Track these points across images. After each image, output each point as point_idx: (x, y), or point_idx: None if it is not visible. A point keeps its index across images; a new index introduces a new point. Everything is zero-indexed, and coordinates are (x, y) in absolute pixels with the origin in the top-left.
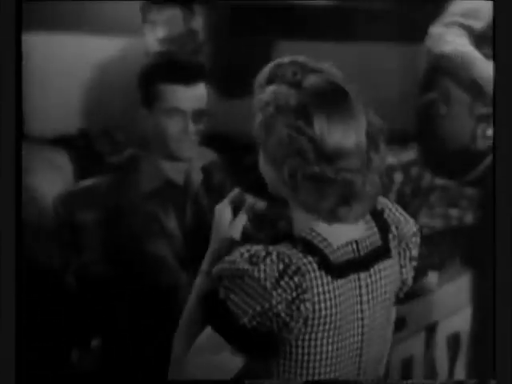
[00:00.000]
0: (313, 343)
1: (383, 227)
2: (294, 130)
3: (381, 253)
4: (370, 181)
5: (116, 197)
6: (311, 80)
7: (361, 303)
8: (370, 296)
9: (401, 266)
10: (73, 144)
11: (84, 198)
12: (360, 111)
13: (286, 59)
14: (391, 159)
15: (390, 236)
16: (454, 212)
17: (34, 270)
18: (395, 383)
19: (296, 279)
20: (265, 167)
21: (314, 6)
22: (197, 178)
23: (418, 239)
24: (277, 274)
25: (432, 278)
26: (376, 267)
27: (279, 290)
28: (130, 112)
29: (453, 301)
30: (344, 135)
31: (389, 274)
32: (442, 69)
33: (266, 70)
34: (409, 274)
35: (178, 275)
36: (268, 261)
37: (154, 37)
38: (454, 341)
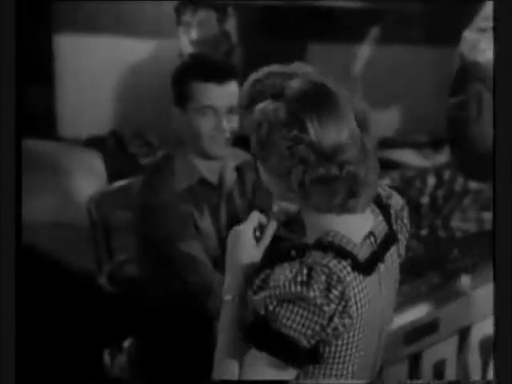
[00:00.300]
0: (349, 341)
1: (386, 211)
2: (291, 141)
3: (391, 239)
4: (370, 167)
5: (150, 197)
6: (292, 86)
7: (381, 296)
8: (387, 285)
9: (398, 243)
10: (106, 145)
11: (117, 199)
12: (345, 101)
13: (260, 73)
14: (424, 162)
15: (393, 219)
16: (486, 215)
17: (68, 271)
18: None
19: (340, 288)
20: (269, 180)
21: (347, 7)
22: (231, 177)
23: (407, 210)
24: (323, 288)
25: (465, 281)
26: (388, 254)
27: (332, 305)
28: (163, 113)
29: (486, 304)
30: (338, 130)
31: (395, 258)
32: (475, 75)
33: (245, 90)
34: (403, 248)
35: (212, 275)
36: (314, 277)
37: (187, 38)
38: (487, 344)
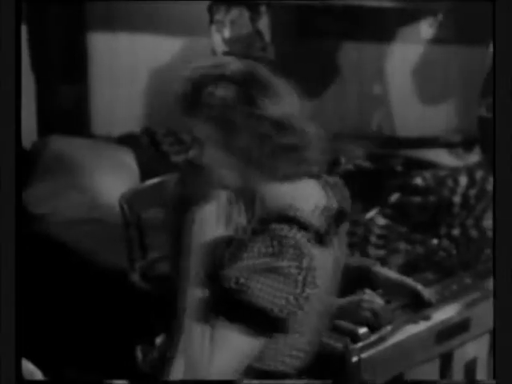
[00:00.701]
0: (309, 311)
1: (335, 190)
2: (248, 117)
3: (341, 216)
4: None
5: (185, 194)
6: (231, 68)
7: (332, 268)
8: (337, 258)
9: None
10: (138, 143)
11: (150, 197)
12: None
13: (196, 66)
14: (456, 162)
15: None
16: None
17: (100, 268)
18: None
19: (308, 259)
20: (228, 162)
21: (379, 7)
22: None
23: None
24: (294, 259)
25: None
26: (340, 229)
27: (303, 274)
28: None
29: None
30: (282, 103)
31: (344, 236)
32: None
33: (186, 79)
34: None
35: None
36: (285, 248)
37: (220, 37)
38: None
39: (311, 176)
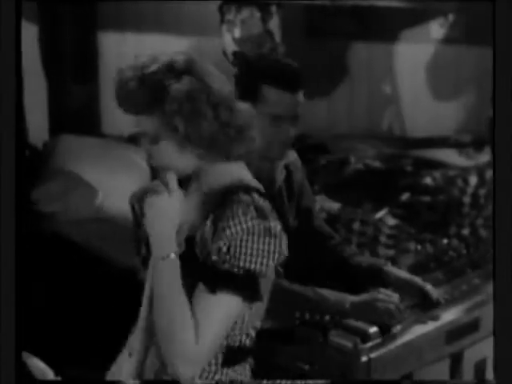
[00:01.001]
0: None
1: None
2: (208, 105)
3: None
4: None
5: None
6: (177, 60)
7: None
8: None
9: None
10: None
11: None
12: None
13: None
14: (466, 162)
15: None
16: None
17: (110, 267)
18: None
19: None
20: (182, 156)
21: (389, 7)
22: (280, 176)
23: None
24: (276, 219)
25: None
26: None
27: (283, 233)
28: None
29: None
30: (224, 85)
31: None
32: None
33: (143, 88)
34: None
35: None
36: (264, 212)
37: (230, 37)
38: None
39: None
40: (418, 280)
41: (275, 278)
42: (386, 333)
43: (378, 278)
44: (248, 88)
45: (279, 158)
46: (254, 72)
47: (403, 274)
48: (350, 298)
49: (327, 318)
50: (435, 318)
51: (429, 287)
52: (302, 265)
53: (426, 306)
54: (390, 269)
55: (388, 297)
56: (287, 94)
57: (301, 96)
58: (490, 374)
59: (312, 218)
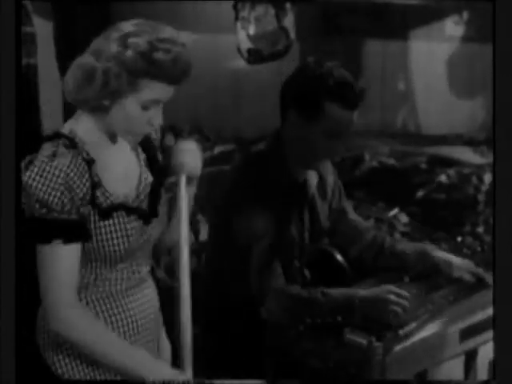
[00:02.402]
0: None
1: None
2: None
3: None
4: None
5: (237, 192)
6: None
7: None
8: None
9: None
10: (162, 139)
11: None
12: None
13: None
14: (481, 160)
15: None
16: None
17: None
18: None
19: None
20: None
21: (404, 4)
22: (313, 180)
23: None
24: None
25: None
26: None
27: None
28: (220, 108)
29: None
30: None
31: None
32: None
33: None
34: None
35: (275, 281)
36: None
37: (245, 34)
38: None
39: None
40: (470, 264)
41: (287, 287)
42: (389, 331)
43: (427, 263)
44: (306, 99)
45: (317, 169)
46: (316, 84)
47: (453, 257)
48: (361, 294)
49: (339, 318)
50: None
51: (481, 270)
52: (341, 262)
53: (477, 287)
54: (437, 253)
55: (399, 292)
56: (347, 111)
57: (356, 113)
58: None
59: (346, 216)
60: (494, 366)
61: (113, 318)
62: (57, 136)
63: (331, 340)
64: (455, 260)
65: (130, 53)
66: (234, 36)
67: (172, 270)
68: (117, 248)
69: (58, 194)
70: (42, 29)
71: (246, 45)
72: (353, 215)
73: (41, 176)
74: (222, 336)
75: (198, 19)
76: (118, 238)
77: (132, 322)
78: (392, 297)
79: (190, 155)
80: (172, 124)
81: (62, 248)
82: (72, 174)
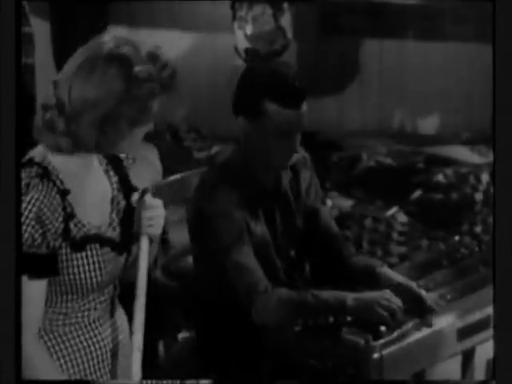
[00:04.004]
0: None
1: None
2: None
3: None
4: None
5: (205, 203)
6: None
7: None
8: None
9: None
10: (161, 139)
11: (172, 192)
12: None
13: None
14: (478, 159)
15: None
16: None
17: None
18: None
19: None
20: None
21: (402, 4)
22: (286, 177)
23: None
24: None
25: None
26: None
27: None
28: (218, 108)
29: None
30: None
31: None
32: None
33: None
34: None
35: (259, 283)
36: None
37: (242, 33)
38: None
39: None
40: (412, 284)
41: (276, 289)
42: (379, 335)
43: (371, 280)
44: (248, 103)
45: (284, 167)
46: (255, 87)
47: (398, 276)
48: (351, 296)
49: (331, 319)
50: (429, 325)
51: (423, 293)
52: (305, 266)
53: (419, 312)
54: (385, 270)
55: (391, 299)
56: (290, 110)
57: (304, 108)
58: None
59: (318, 219)
60: (494, 365)
61: (87, 350)
62: (30, 164)
63: (329, 340)
64: (399, 280)
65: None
66: (232, 36)
67: (168, 270)
68: (89, 281)
69: (29, 228)
70: (40, 29)
71: (243, 44)
72: (325, 220)
73: None
74: (218, 338)
75: (195, 19)
76: (91, 270)
77: (106, 351)
78: (383, 301)
79: (154, 214)
80: (169, 123)
81: (29, 282)
82: (45, 209)
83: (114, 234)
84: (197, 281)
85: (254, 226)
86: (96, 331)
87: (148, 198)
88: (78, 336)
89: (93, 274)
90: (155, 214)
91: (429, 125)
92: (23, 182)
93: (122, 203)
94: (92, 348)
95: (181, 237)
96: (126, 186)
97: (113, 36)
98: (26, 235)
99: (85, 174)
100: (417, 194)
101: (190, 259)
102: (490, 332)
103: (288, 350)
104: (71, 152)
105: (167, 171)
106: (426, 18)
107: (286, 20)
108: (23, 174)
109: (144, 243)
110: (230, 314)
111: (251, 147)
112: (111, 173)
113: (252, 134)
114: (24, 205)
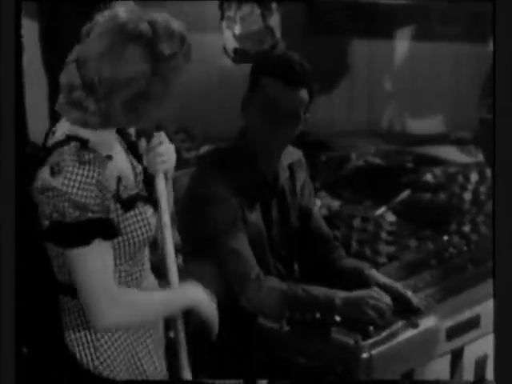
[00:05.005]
0: None
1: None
2: None
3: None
4: None
5: (203, 188)
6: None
7: None
8: None
9: None
10: (149, 140)
11: None
12: None
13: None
14: (467, 159)
15: None
16: None
17: None
18: None
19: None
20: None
21: (390, 4)
22: (284, 174)
23: None
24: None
25: None
26: None
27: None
28: (206, 108)
29: None
30: None
31: None
32: None
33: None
34: None
35: (251, 270)
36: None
37: (231, 33)
38: None
39: None
40: (398, 286)
41: (267, 278)
42: (379, 331)
43: (359, 282)
44: (250, 79)
45: (278, 151)
46: (257, 64)
47: (384, 279)
48: (341, 294)
49: (318, 315)
50: (415, 326)
51: (409, 294)
52: (297, 264)
53: (405, 313)
54: (372, 273)
55: (380, 297)
56: (288, 88)
57: (303, 93)
58: (490, 371)
59: (310, 219)
60: (494, 366)
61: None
62: (70, 139)
63: (318, 339)
64: (386, 282)
65: None
66: (220, 35)
67: (157, 269)
68: (141, 237)
69: (93, 194)
70: (28, 29)
71: (231, 44)
72: (316, 221)
73: (74, 180)
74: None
75: (183, 19)
76: (141, 227)
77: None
78: (371, 301)
79: (164, 149)
80: (157, 123)
81: (102, 245)
82: (104, 177)
83: (145, 194)
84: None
85: (249, 215)
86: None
87: (156, 137)
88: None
89: (144, 229)
90: (165, 149)
91: (418, 125)
92: (73, 157)
93: (139, 167)
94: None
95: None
96: (135, 153)
97: (125, 10)
98: (92, 202)
99: (113, 143)
100: (405, 193)
101: (179, 259)
102: (478, 331)
103: (277, 349)
104: (98, 127)
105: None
106: (415, 18)
107: (274, 20)
108: (67, 149)
109: (160, 182)
110: (219, 314)
111: (254, 132)
112: (123, 143)
113: (253, 115)
114: (84, 174)
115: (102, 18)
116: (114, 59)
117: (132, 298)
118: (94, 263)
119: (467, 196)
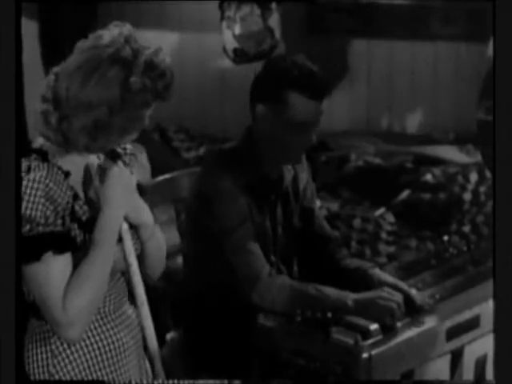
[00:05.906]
0: None
1: None
2: None
3: None
4: None
5: (211, 186)
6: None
7: None
8: None
9: None
10: (149, 139)
11: (161, 192)
12: None
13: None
14: (467, 159)
15: None
16: None
17: None
18: None
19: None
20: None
21: (390, 4)
22: (288, 176)
23: None
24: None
25: None
26: None
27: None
28: (206, 108)
29: None
30: None
31: None
32: None
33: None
34: None
35: (262, 268)
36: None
37: (230, 33)
38: None
39: None
40: (402, 285)
41: (279, 276)
42: (387, 331)
43: (363, 281)
44: (271, 91)
45: (297, 162)
46: (280, 76)
47: (388, 278)
48: (352, 296)
49: (329, 314)
50: (419, 325)
51: (413, 292)
52: (300, 265)
53: (409, 311)
54: (376, 272)
55: (391, 296)
56: (313, 102)
57: (324, 103)
58: (490, 371)
59: (313, 219)
60: (494, 366)
61: (104, 342)
62: (28, 152)
63: (318, 339)
64: (390, 281)
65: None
66: (220, 36)
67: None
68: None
69: (40, 206)
70: (28, 29)
71: (231, 45)
72: (319, 221)
73: (24, 193)
74: (206, 336)
75: (183, 19)
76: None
77: (122, 344)
78: (381, 302)
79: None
80: (157, 124)
81: (54, 259)
82: (51, 184)
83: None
84: (186, 280)
85: (256, 215)
86: (112, 323)
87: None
88: (100, 327)
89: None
90: (123, 186)
91: (417, 125)
92: (23, 165)
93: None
94: (110, 340)
95: (170, 237)
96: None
97: (115, 34)
98: (39, 214)
99: (82, 160)
100: (405, 193)
101: (178, 259)
102: (478, 331)
103: (276, 349)
104: (62, 147)
105: (156, 171)
106: (414, 17)
107: (274, 20)
108: (23, 161)
109: (125, 235)
110: (218, 314)
111: (264, 137)
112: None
113: (269, 124)
114: (29, 184)
115: (92, 36)
116: (84, 78)
117: (74, 284)
118: (47, 278)
119: (467, 196)
